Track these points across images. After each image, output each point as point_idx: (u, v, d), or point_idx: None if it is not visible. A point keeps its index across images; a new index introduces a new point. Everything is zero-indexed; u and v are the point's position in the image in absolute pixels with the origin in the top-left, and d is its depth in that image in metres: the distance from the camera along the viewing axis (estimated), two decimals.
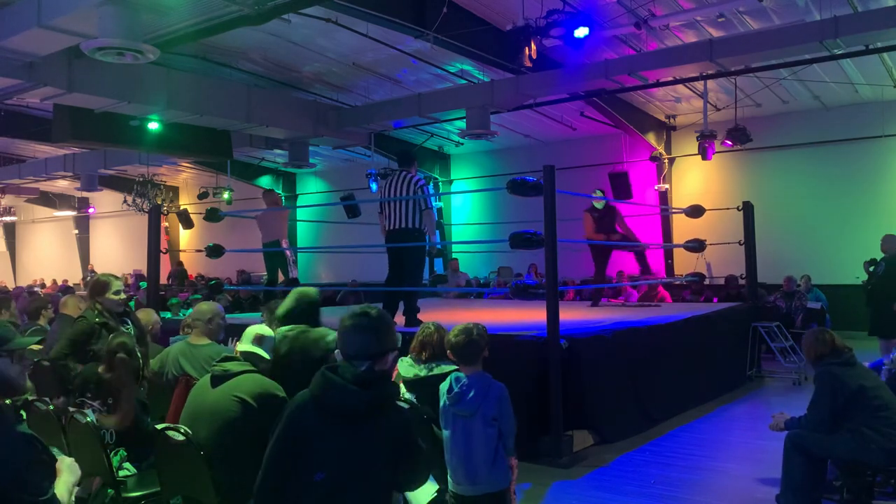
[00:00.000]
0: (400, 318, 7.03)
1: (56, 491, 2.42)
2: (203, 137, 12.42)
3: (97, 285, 4.97)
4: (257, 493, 2.42)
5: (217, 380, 3.50)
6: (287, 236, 9.01)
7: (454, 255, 13.99)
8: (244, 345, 3.69)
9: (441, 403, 3.50)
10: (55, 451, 2.91)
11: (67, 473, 2.56)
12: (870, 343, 8.73)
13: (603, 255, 9.50)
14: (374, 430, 2.34)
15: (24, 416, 3.95)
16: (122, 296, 4.97)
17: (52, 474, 2.40)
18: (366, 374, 2.37)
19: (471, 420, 3.39)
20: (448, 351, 3.54)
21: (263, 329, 3.86)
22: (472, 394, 3.39)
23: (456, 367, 3.94)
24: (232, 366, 3.52)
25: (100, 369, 4.09)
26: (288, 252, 9.20)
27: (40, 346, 5.43)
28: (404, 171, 7.00)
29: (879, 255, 9.17)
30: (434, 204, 6.77)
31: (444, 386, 3.53)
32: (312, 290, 4.37)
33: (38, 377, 5.12)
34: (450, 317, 7.44)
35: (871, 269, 9.47)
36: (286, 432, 2.39)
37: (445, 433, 3.48)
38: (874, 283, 9.06)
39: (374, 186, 14.58)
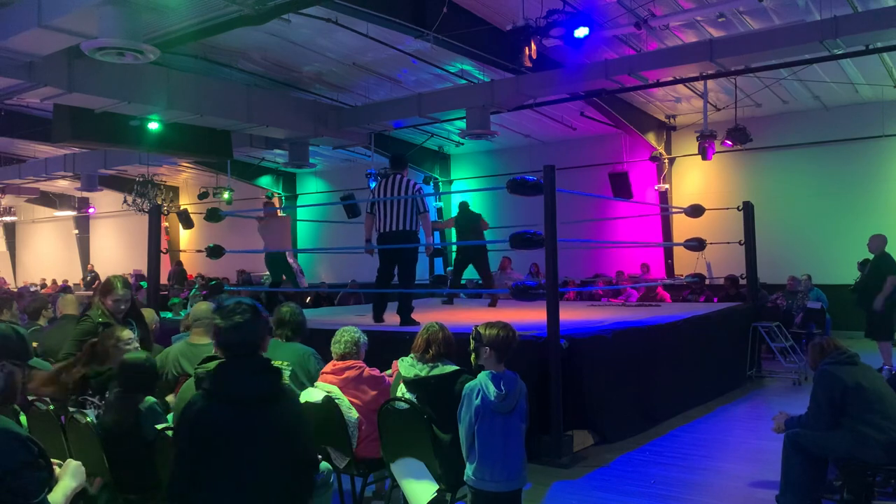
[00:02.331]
0: (391, 318, 7.07)
1: (53, 496, 2.39)
2: (203, 137, 12.41)
3: (103, 287, 4.97)
4: (173, 490, 2.63)
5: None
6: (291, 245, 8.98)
7: (504, 255, 13.70)
8: None
9: (476, 402, 3.42)
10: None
11: (69, 478, 2.56)
12: (868, 343, 8.73)
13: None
14: (273, 412, 2.65)
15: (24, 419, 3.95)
16: (122, 307, 4.94)
17: (46, 479, 2.36)
18: (258, 363, 2.71)
19: (510, 417, 3.41)
20: (487, 347, 3.48)
21: None
22: (515, 387, 3.43)
23: (457, 367, 3.93)
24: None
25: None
26: (295, 264, 9.07)
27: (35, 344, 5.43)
28: (398, 173, 7.10)
29: (868, 256, 9.21)
30: (431, 206, 6.89)
31: (477, 386, 3.45)
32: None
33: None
34: (450, 317, 7.45)
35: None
36: (195, 431, 2.61)
37: (479, 432, 3.41)
38: (860, 284, 9.13)
39: (373, 186, 14.56)
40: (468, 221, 9.83)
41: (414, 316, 6.98)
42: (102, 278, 5.73)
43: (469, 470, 3.46)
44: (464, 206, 10.06)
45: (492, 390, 3.39)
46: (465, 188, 17.36)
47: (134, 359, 3.84)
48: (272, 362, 2.81)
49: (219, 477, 2.58)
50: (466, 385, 3.53)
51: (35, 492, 2.24)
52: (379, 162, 15.54)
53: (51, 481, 2.42)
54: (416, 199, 6.83)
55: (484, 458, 3.42)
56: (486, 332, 3.53)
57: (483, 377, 3.47)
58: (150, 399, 3.77)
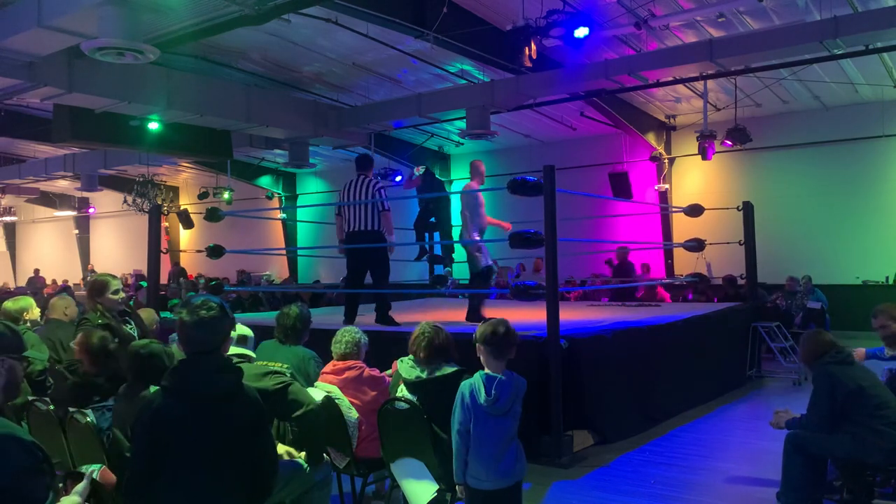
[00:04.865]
0: (364, 318, 7.06)
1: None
2: (203, 137, 12.41)
3: (96, 286, 4.97)
4: (130, 486, 2.66)
5: None
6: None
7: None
8: (232, 348, 3.71)
9: (465, 402, 3.41)
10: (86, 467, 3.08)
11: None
12: (868, 343, 8.71)
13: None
14: (232, 410, 2.66)
15: (26, 422, 3.95)
16: (122, 295, 4.98)
17: (51, 484, 2.37)
18: (222, 362, 2.73)
19: (503, 418, 3.37)
20: (482, 345, 3.43)
21: (243, 329, 3.86)
22: (508, 392, 3.37)
23: (457, 368, 3.93)
24: None
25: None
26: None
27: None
28: (363, 174, 7.17)
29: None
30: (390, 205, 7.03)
31: (470, 386, 3.42)
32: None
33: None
34: (451, 317, 7.44)
35: None
36: (153, 429, 2.62)
37: (472, 432, 3.39)
38: None
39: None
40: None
41: (414, 315, 6.97)
42: None
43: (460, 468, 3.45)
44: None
45: (482, 394, 3.35)
46: None
47: (138, 347, 3.75)
48: (233, 361, 2.81)
49: (175, 475, 2.58)
50: (462, 383, 3.50)
51: (41, 498, 2.24)
52: (379, 162, 15.51)
53: (50, 486, 2.42)
54: (376, 199, 6.93)
55: (477, 457, 3.40)
56: (480, 329, 3.50)
57: (476, 378, 3.43)
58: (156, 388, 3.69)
